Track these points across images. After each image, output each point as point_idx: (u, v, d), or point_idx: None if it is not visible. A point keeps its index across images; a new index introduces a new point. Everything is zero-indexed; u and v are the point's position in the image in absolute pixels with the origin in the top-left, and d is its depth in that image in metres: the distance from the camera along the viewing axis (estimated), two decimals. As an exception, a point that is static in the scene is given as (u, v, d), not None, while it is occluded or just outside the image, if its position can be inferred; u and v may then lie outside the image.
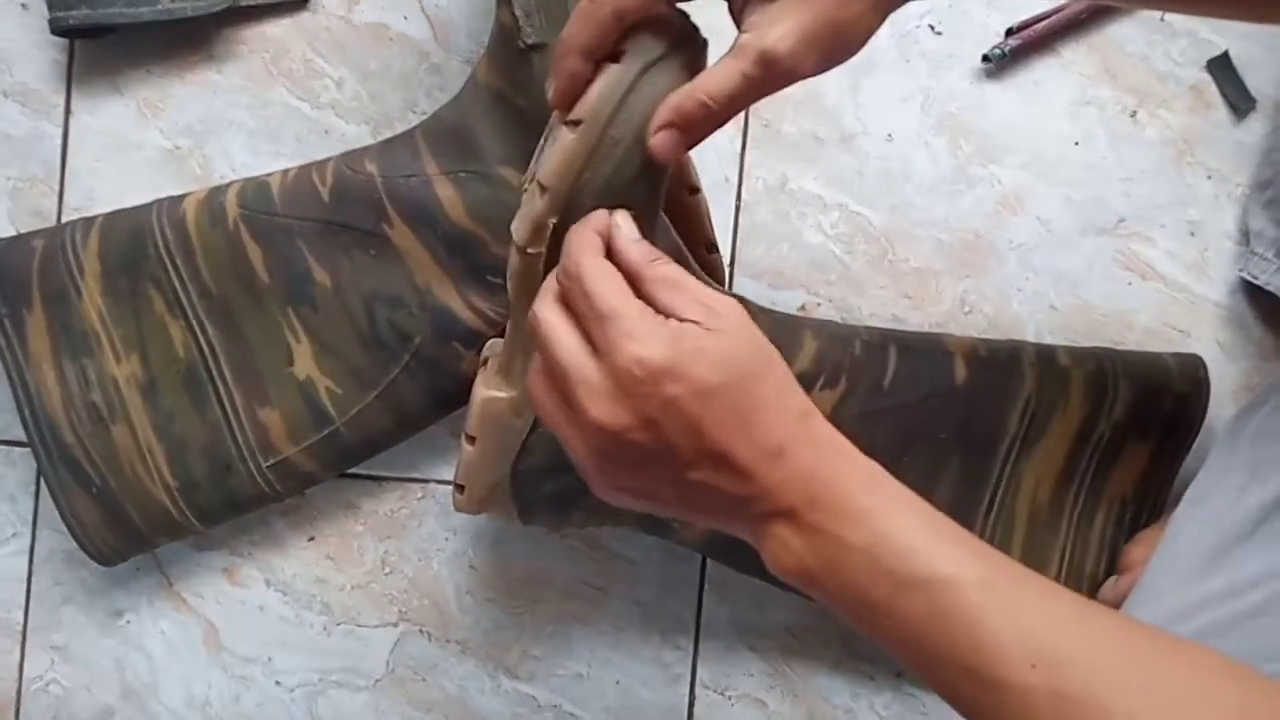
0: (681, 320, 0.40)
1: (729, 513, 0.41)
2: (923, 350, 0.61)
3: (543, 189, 0.45)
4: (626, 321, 0.40)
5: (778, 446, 0.40)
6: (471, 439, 0.54)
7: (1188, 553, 0.51)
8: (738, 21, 0.43)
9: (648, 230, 0.47)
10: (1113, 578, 0.61)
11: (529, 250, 0.47)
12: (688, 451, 0.40)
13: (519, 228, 0.47)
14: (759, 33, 0.41)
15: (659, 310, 0.41)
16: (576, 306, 0.42)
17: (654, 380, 0.39)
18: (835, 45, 0.42)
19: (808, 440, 0.40)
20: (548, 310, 0.43)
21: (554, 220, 0.46)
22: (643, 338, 0.39)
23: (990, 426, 0.61)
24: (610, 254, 0.43)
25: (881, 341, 0.61)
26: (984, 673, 0.37)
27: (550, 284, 0.44)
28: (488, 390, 0.53)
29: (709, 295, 0.42)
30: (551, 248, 0.46)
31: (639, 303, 0.41)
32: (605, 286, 0.41)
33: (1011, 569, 0.40)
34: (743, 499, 0.40)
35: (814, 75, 0.43)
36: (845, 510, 0.40)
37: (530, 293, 0.48)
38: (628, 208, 0.45)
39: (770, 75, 0.42)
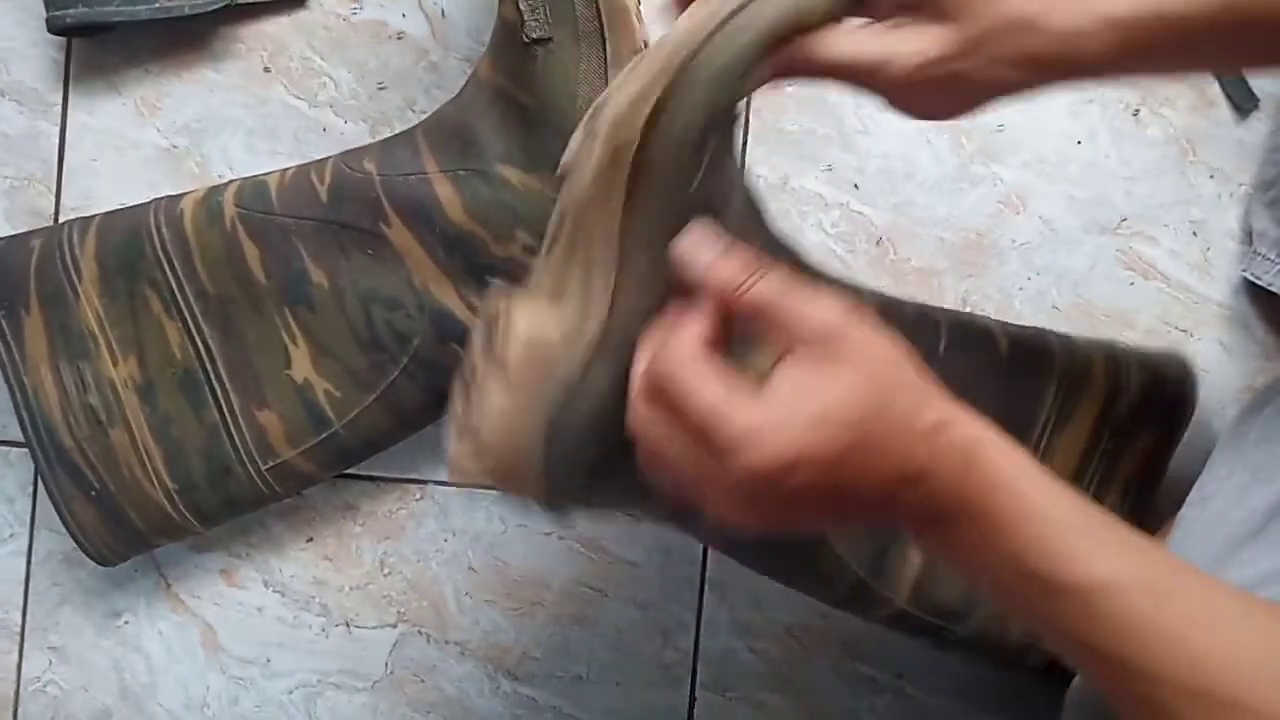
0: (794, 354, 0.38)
1: (879, 527, 0.42)
2: (968, 321, 0.61)
3: (645, 60, 0.40)
4: (727, 429, 0.37)
5: (917, 472, 0.38)
6: (478, 379, 0.44)
7: (1194, 555, 0.50)
8: (880, 9, 0.43)
9: (728, 155, 0.44)
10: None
11: (622, 134, 0.40)
12: (829, 510, 0.39)
13: (619, 102, 0.41)
14: (895, 36, 0.41)
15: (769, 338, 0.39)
16: (676, 415, 0.39)
17: (775, 479, 0.37)
18: (943, 91, 0.42)
19: (945, 454, 0.38)
20: (645, 416, 0.40)
21: (657, 96, 0.40)
22: (749, 444, 0.37)
23: (1028, 404, 0.60)
24: (697, 279, 0.41)
25: (928, 311, 0.60)
26: (1137, 668, 0.37)
27: (641, 381, 0.40)
28: (533, 321, 0.43)
29: (812, 319, 0.38)
30: (646, 133, 0.40)
31: (738, 399, 0.37)
32: (697, 395, 0.38)
33: (1166, 567, 0.39)
34: (890, 519, 0.40)
35: (915, 115, 0.43)
36: (988, 519, 0.38)
37: (610, 195, 0.42)
38: (717, 121, 0.41)
39: (874, 76, 0.42)
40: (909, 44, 0.41)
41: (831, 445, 0.37)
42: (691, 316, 0.40)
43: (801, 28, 0.41)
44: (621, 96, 0.41)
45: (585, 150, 0.42)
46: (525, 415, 0.44)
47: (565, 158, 0.43)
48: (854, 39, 0.42)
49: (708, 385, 0.38)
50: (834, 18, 0.42)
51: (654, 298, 0.43)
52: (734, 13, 0.40)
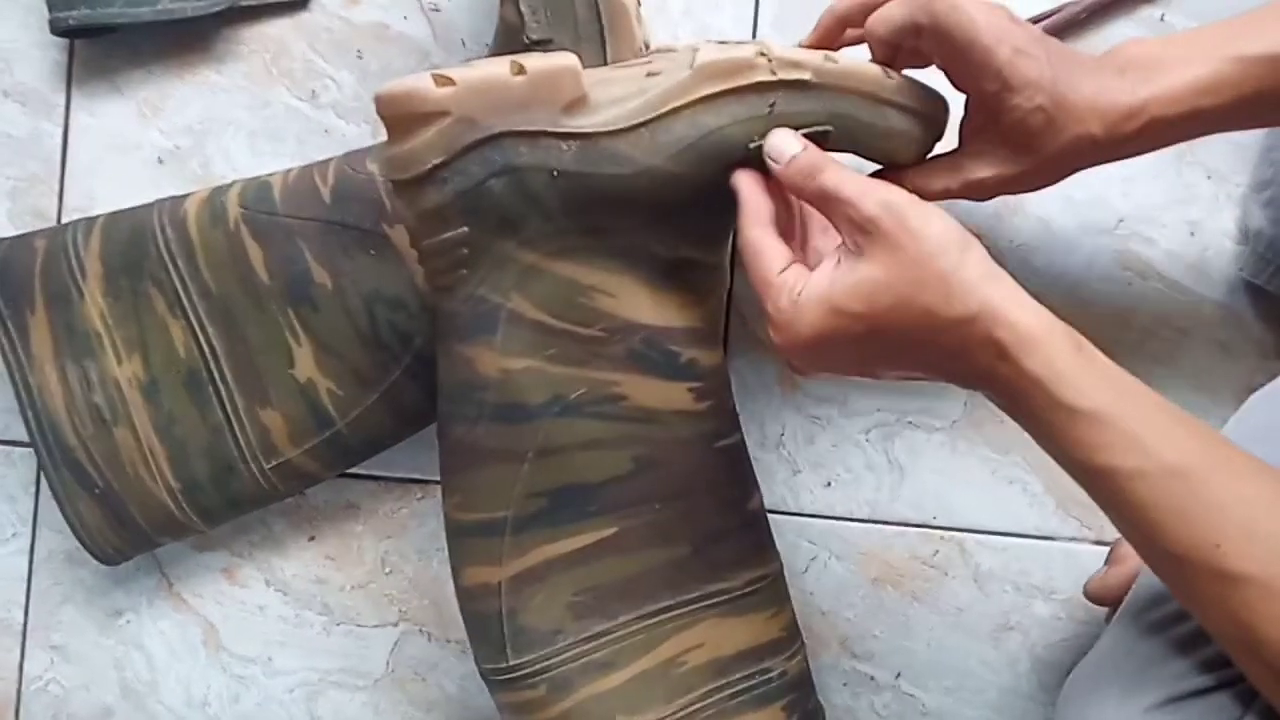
0: (838, 245, 0.46)
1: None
2: None
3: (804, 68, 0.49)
4: (768, 307, 0.46)
5: (955, 353, 0.43)
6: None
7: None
8: (963, 138, 0.52)
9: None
10: (1102, 569, 0.61)
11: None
12: (870, 374, 0.47)
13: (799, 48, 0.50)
14: (977, 164, 0.51)
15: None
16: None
17: (802, 356, 0.46)
18: (1017, 190, 0.52)
19: (980, 345, 0.43)
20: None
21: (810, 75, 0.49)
22: (777, 327, 0.46)
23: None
24: (777, 173, 0.48)
25: None
26: (1167, 550, 0.41)
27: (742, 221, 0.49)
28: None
29: (857, 210, 0.44)
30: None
31: (781, 281, 0.46)
32: (754, 263, 0.47)
33: (1198, 453, 0.41)
34: (941, 381, 0.46)
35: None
36: (1025, 407, 0.43)
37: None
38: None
39: (963, 196, 0.52)
40: (987, 169, 0.51)
41: (846, 332, 0.44)
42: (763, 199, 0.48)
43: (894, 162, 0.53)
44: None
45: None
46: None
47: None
48: (944, 176, 0.52)
49: (763, 259, 0.47)
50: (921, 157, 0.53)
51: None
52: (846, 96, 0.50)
